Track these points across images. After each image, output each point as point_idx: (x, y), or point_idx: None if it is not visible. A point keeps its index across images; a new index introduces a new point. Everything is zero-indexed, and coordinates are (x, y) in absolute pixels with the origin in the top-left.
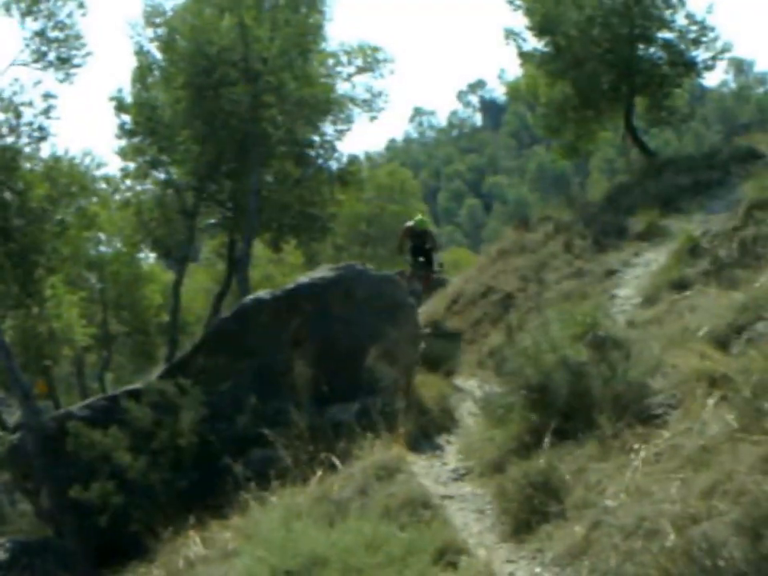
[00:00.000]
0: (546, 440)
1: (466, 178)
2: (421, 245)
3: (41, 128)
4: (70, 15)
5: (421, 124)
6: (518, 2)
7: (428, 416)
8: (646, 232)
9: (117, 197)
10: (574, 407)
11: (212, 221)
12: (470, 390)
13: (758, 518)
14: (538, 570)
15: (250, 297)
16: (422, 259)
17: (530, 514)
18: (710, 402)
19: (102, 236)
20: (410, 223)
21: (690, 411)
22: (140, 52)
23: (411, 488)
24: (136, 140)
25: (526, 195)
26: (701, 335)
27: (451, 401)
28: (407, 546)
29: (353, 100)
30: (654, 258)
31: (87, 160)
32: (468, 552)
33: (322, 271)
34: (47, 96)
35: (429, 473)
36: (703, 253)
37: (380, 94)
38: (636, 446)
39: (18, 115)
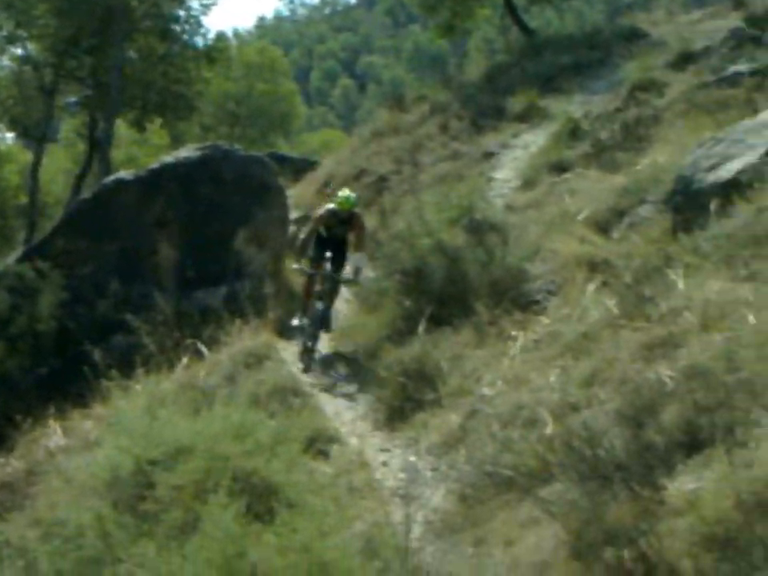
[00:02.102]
0: (421, 326)
1: (339, 58)
2: (338, 236)
3: None
4: None
5: (292, 1)
6: None
7: (298, 301)
8: (525, 113)
9: None
10: (449, 293)
11: (72, 99)
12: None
13: (639, 406)
14: (412, 458)
15: (112, 177)
16: (329, 254)
17: (404, 401)
18: (591, 287)
19: None
20: (329, 206)
21: (570, 297)
22: None
23: (281, 375)
24: None
25: (402, 76)
26: (581, 219)
27: None
28: (276, 434)
29: None
30: (533, 140)
31: None
32: (340, 440)
33: (188, 151)
34: None
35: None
36: (584, 134)
37: None
38: (514, 333)
39: None
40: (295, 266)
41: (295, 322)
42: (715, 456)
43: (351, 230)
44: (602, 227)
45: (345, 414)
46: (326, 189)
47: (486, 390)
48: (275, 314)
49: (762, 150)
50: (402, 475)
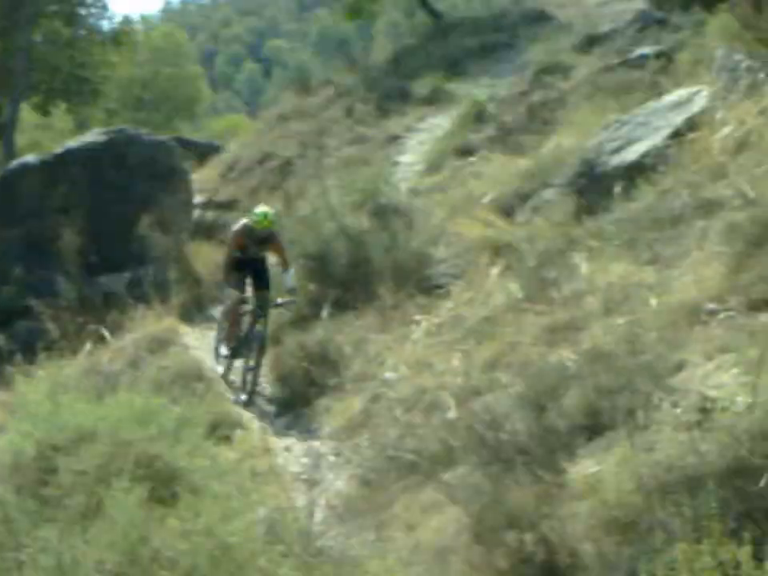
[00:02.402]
0: (325, 311)
1: (244, 42)
2: (257, 256)
3: None
4: None
5: None
6: None
7: (201, 286)
8: (431, 96)
9: None
10: (353, 277)
11: None
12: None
13: (541, 390)
14: (315, 443)
15: (16, 162)
16: (248, 280)
17: (307, 386)
18: (494, 271)
19: None
20: (243, 222)
21: (474, 281)
22: None
23: (184, 360)
24: None
25: (308, 60)
26: (485, 203)
27: None
28: (180, 420)
29: None
30: (439, 124)
31: None
32: (243, 425)
33: (93, 135)
34: None
35: (202, 345)
36: (489, 118)
37: None
38: (417, 317)
39: None
40: (229, 290)
41: (224, 351)
42: (617, 439)
43: (268, 249)
44: (507, 211)
45: None
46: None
47: (389, 375)
48: (179, 299)
49: (666, 133)
50: (304, 460)
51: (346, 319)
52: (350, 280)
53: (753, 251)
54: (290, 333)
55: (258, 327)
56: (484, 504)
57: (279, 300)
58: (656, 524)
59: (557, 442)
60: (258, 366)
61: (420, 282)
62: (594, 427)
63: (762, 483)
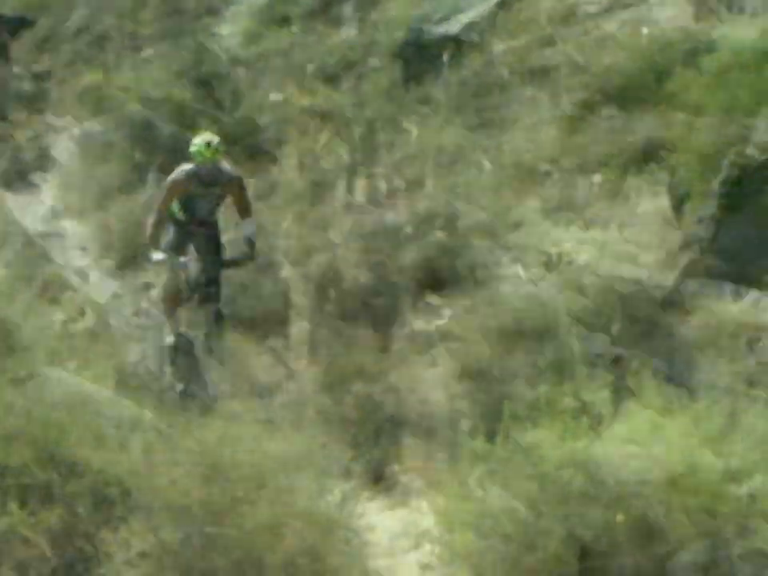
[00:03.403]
0: (151, 176)
1: None
2: (210, 219)
3: None
4: None
5: None
6: None
7: (22, 154)
8: None
9: None
10: (178, 143)
11: None
12: (66, 128)
13: (378, 248)
14: (145, 305)
15: None
16: (192, 247)
17: (134, 250)
18: (323, 137)
19: None
20: (182, 168)
21: (302, 147)
22: None
23: (8, 225)
24: None
25: None
26: (310, 72)
27: (47, 139)
28: (11, 282)
29: None
30: None
31: None
32: (72, 287)
33: None
34: None
35: (26, 211)
36: None
37: None
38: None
39: None
40: (157, 255)
41: (169, 339)
42: (459, 294)
43: (224, 195)
44: (332, 79)
45: (76, 261)
46: None
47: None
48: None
49: (492, 2)
50: (137, 320)
51: None
52: (175, 146)
53: (585, 115)
54: (117, 198)
55: (209, 305)
56: (330, 356)
57: (230, 256)
58: (507, 371)
59: (399, 297)
60: (212, 350)
61: (247, 148)
62: (435, 283)
63: (614, 332)
